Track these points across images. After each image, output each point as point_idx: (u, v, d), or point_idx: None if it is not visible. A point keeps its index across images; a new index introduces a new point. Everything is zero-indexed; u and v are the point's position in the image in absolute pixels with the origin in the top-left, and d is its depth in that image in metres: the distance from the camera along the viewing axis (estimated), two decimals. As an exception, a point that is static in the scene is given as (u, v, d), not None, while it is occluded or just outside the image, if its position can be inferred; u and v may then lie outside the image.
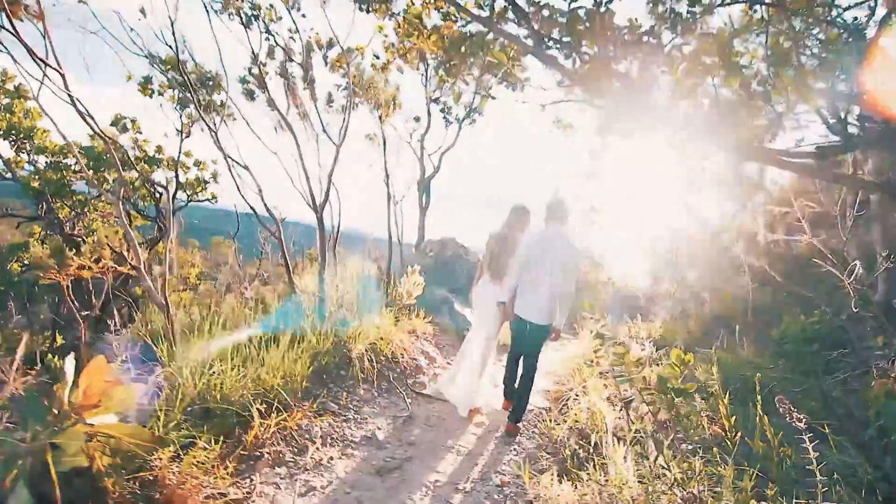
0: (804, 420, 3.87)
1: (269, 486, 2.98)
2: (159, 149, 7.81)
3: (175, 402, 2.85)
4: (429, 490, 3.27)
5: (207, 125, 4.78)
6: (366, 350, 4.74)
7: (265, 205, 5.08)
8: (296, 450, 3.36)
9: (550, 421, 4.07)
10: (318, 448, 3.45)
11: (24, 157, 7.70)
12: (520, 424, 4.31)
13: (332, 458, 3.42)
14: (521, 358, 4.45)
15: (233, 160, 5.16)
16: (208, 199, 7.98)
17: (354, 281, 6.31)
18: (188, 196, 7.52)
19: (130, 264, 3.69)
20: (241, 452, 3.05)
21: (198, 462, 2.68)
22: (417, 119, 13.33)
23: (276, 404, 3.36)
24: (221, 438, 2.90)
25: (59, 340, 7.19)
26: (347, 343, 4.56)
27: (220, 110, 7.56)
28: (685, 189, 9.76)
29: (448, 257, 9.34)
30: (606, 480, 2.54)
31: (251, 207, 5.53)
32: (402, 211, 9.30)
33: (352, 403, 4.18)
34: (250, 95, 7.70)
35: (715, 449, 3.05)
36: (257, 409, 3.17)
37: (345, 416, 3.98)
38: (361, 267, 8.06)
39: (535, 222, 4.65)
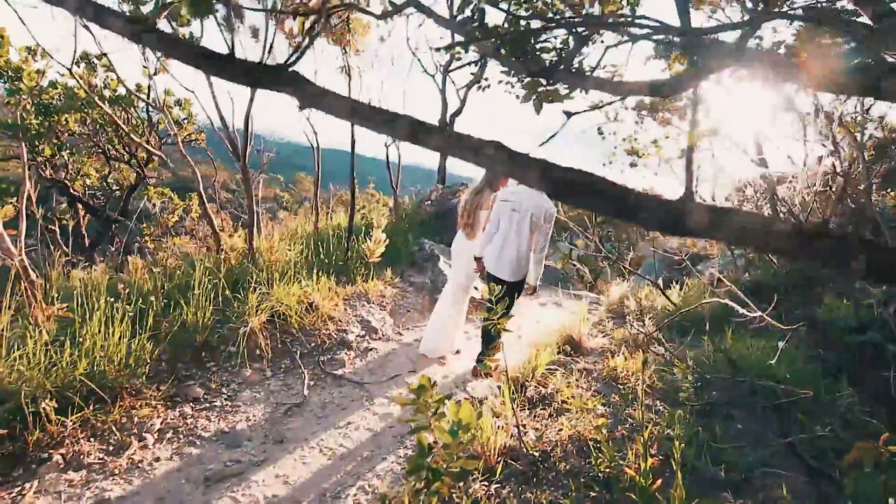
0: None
1: (48, 495, 2.54)
2: (140, 88, 7.43)
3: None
4: (254, 510, 2.70)
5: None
6: (272, 320, 4.17)
7: (176, 142, 4.47)
8: (111, 449, 2.89)
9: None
10: (145, 446, 2.97)
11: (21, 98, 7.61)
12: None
13: (157, 460, 2.92)
14: None
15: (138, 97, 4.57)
16: (192, 141, 7.59)
17: (301, 237, 5.72)
18: (170, 137, 7.15)
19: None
20: (21, 454, 2.62)
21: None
22: (449, 48, 12.05)
23: (76, 397, 2.86)
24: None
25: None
26: (244, 314, 3.99)
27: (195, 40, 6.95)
28: (756, 128, 8.04)
29: (452, 206, 8.45)
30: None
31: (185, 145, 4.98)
32: (399, 152, 8.47)
33: (228, 388, 3.65)
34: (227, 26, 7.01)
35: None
36: (45, 405, 2.68)
37: (210, 403, 3.47)
38: (343, 218, 7.43)
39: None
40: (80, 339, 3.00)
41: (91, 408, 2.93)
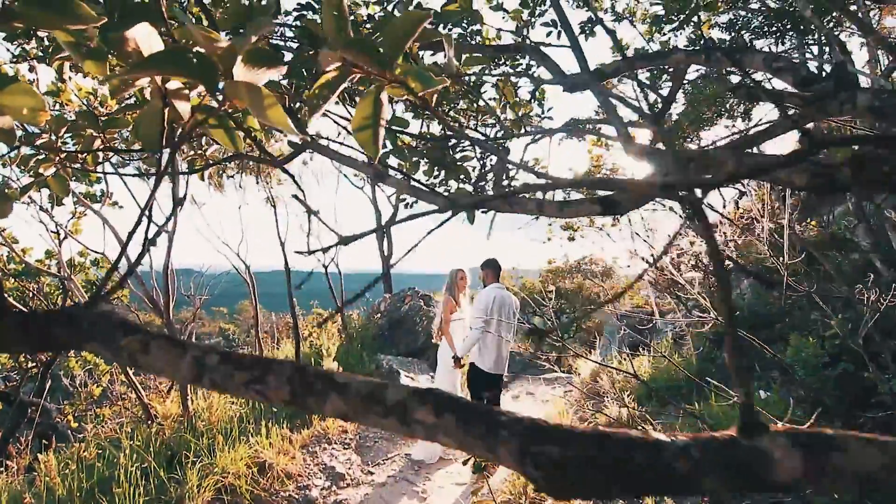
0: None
1: None
2: (49, 254, 6.95)
3: None
4: None
5: None
6: (219, 497, 3.59)
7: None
8: None
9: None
10: None
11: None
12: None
13: None
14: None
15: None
16: (114, 300, 7.05)
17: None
18: (89, 299, 6.58)
19: None
20: None
21: None
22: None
23: None
24: None
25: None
26: (184, 496, 3.41)
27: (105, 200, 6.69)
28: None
29: (404, 313, 8.16)
30: None
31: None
32: (339, 268, 8.22)
33: None
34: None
35: None
36: None
37: None
38: (289, 350, 6.98)
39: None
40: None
41: None
